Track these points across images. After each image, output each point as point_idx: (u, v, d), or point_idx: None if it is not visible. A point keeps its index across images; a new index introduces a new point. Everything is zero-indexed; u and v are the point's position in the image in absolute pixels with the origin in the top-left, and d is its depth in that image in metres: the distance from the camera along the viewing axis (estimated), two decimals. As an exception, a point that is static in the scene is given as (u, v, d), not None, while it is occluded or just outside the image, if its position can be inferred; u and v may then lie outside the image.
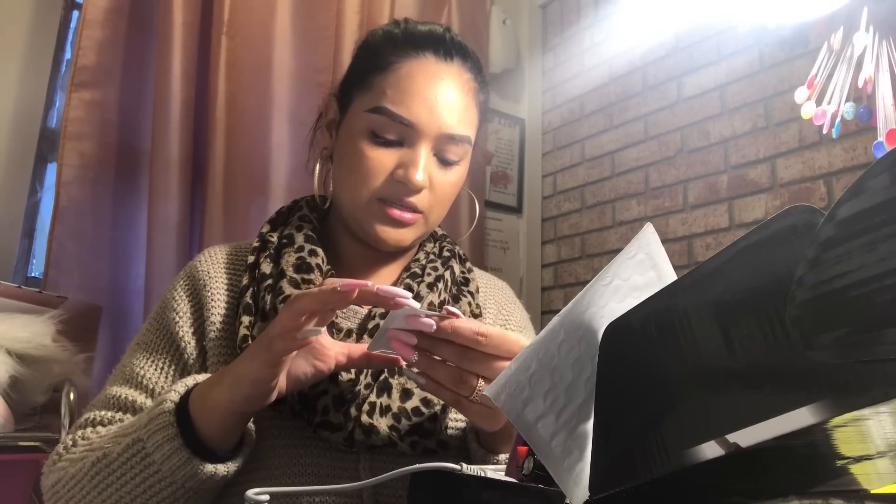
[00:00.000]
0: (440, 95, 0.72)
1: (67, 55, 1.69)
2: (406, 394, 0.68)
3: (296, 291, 0.70)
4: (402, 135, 0.71)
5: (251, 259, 0.75)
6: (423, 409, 0.68)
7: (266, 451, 0.66)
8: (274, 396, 0.60)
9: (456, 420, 0.72)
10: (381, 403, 0.66)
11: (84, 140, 1.52)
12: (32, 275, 1.62)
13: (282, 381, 0.60)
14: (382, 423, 0.66)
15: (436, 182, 0.73)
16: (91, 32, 1.54)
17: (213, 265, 0.78)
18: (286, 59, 1.74)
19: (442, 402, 0.69)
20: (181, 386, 0.62)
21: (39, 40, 1.62)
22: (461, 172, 0.77)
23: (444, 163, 0.74)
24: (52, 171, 1.63)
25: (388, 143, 0.71)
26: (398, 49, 0.74)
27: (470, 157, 0.79)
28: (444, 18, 2.08)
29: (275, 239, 0.76)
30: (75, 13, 1.70)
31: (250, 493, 0.48)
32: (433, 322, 0.55)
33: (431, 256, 0.81)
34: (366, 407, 0.66)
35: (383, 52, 0.74)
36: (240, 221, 1.63)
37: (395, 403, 0.67)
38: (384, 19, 1.87)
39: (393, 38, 0.75)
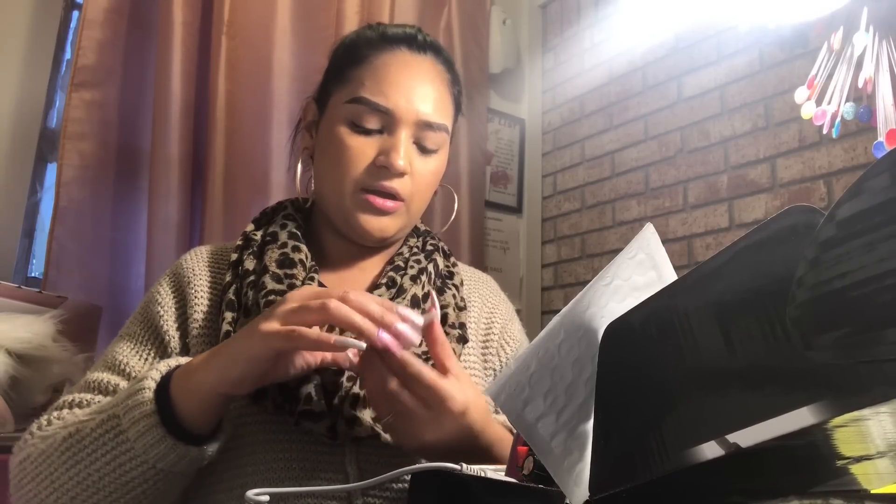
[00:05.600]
0: (416, 84, 0.74)
1: (67, 55, 1.69)
2: None
3: (278, 286, 0.70)
4: (382, 123, 0.73)
5: (234, 257, 0.75)
6: None
7: (250, 447, 0.66)
8: (262, 382, 0.60)
9: None
10: (363, 395, 0.66)
11: (84, 140, 1.52)
12: (32, 275, 1.62)
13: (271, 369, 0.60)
14: (366, 414, 0.65)
15: (416, 170, 0.75)
16: (91, 32, 1.54)
17: (198, 263, 0.78)
18: (286, 59, 1.74)
19: None
20: (163, 366, 0.61)
21: (39, 40, 1.62)
22: (440, 161, 0.78)
23: (423, 150, 0.76)
24: (52, 171, 1.63)
25: (368, 132, 0.73)
26: (373, 44, 0.77)
27: (448, 148, 0.80)
28: (444, 18, 2.08)
29: (258, 237, 0.77)
30: (75, 13, 1.70)
31: (250, 493, 0.48)
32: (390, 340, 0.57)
33: (415, 250, 0.82)
34: (349, 399, 0.66)
35: (359, 47, 0.77)
36: (240, 221, 1.63)
37: None
38: (384, 19, 1.87)
39: (367, 37, 0.78)
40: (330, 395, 0.66)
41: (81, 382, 0.72)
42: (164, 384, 0.59)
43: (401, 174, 0.73)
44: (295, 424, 0.64)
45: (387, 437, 0.66)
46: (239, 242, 0.77)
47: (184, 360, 0.63)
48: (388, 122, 0.73)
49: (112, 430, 0.59)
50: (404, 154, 0.72)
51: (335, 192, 0.75)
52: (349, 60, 0.77)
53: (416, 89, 0.74)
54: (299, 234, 0.77)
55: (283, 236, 0.76)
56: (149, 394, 0.58)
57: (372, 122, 0.73)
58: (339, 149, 0.73)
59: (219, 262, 0.79)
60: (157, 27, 1.60)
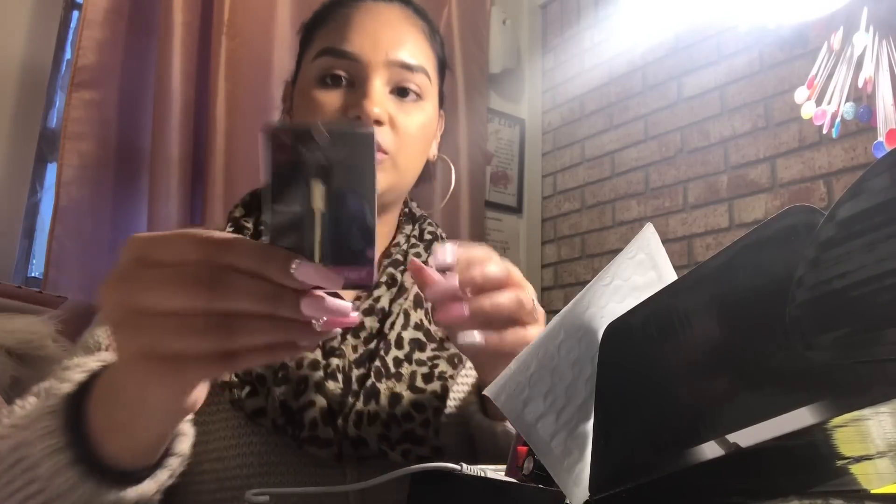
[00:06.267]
0: (383, 27, 0.68)
1: (67, 55, 1.69)
2: (395, 398, 0.63)
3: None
4: (350, 72, 0.67)
5: None
6: (415, 414, 0.63)
7: (244, 469, 0.60)
8: (204, 393, 0.41)
9: (449, 423, 0.67)
10: (368, 411, 0.61)
11: (84, 140, 1.52)
12: (32, 275, 1.62)
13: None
14: (371, 433, 0.60)
15: (398, 122, 0.67)
16: (91, 32, 1.54)
17: None
18: (286, 59, 1.74)
19: (433, 406, 0.64)
20: (78, 373, 0.45)
21: (39, 40, 1.62)
22: (426, 115, 0.70)
23: (403, 94, 0.68)
24: (52, 171, 1.63)
25: (337, 84, 0.67)
26: (337, 4, 0.73)
27: (436, 104, 0.73)
28: (444, 18, 2.08)
29: (251, 225, 0.71)
30: (75, 13, 1.70)
31: (250, 494, 0.48)
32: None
33: (413, 240, 0.76)
34: (353, 417, 0.60)
35: (325, 10, 0.74)
36: (240, 221, 1.63)
37: (384, 410, 0.62)
38: (384, 19, 1.87)
39: (332, 1, 0.75)
40: (334, 415, 0.60)
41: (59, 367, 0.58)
42: (85, 394, 0.42)
43: (376, 122, 0.65)
44: (297, 448, 0.59)
45: (395, 455, 0.60)
46: (229, 229, 0.70)
47: (110, 356, 0.48)
48: (358, 71, 0.67)
49: (21, 463, 0.42)
50: (378, 101, 0.65)
51: None
52: (314, 24, 0.73)
53: (383, 32, 0.68)
54: None
55: None
56: (57, 420, 0.41)
57: (340, 73, 0.67)
58: (310, 109, 0.68)
59: None
60: (157, 27, 1.60)
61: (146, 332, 0.35)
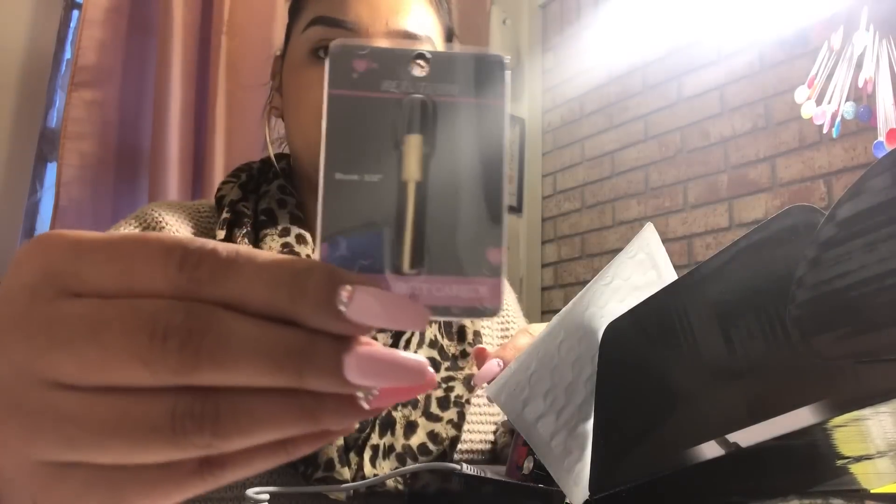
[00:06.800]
0: None
1: (67, 55, 1.69)
2: (410, 427, 0.58)
3: None
4: None
5: (222, 235, 0.60)
6: (431, 446, 0.58)
7: (240, 501, 0.54)
8: None
9: (469, 452, 0.64)
10: (384, 444, 0.56)
11: (84, 140, 1.52)
12: (32, 275, 1.62)
13: None
14: (386, 468, 0.55)
15: None
16: (91, 32, 1.54)
17: (181, 227, 0.62)
18: (286, 59, 1.74)
19: (450, 436, 0.59)
20: None
21: (39, 40, 1.62)
22: None
23: None
24: (52, 171, 1.63)
25: None
26: None
27: None
28: (444, 18, 2.08)
29: (250, 212, 0.63)
30: (75, 13, 1.70)
31: (250, 492, 0.48)
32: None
33: None
34: (368, 452, 0.55)
35: None
36: (240, 221, 1.63)
37: (399, 441, 0.57)
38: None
39: None
40: (348, 449, 0.55)
41: None
42: None
43: None
44: (305, 484, 0.54)
45: (401, 488, 0.56)
46: (226, 215, 0.62)
47: None
48: None
49: None
50: None
51: (305, 143, 0.62)
52: None
53: None
54: (302, 216, 0.63)
55: (284, 219, 0.62)
56: None
57: None
58: (301, 86, 0.61)
59: (203, 234, 0.63)
60: (157, 27, 1.60)
61: (58, 424, 0.19)
